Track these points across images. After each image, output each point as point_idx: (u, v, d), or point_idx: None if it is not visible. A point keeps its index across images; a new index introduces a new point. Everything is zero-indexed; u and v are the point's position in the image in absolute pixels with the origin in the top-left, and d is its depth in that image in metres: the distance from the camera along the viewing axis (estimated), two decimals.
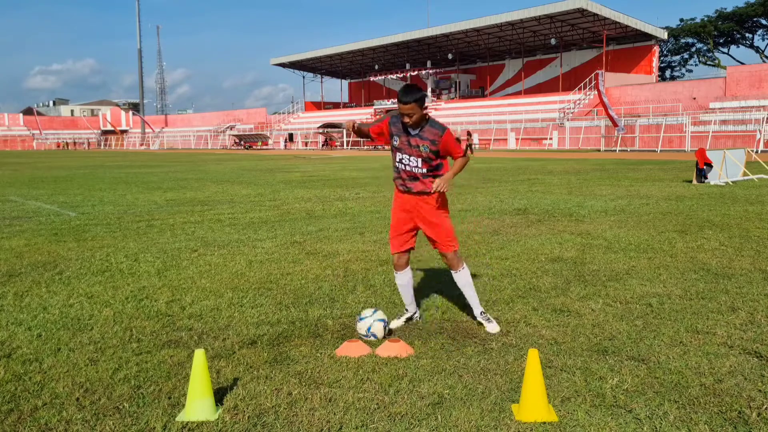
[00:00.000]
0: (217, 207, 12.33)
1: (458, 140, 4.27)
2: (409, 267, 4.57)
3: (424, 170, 4.27)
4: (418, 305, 4.98)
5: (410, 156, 4.26)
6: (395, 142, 4.30)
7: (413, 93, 4.09)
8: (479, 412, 3.12)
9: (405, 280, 4.56)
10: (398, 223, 4.47)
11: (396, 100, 4.16)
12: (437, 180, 4.20)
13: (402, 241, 4.49)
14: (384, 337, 4.23)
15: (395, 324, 4.52)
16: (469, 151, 4.15)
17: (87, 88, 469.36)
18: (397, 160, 4.33)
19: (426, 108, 4.20)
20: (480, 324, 4.47)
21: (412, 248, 4.56)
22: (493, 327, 4.38)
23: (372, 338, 4.22)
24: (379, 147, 65.49)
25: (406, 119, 4.14)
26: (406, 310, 4.66)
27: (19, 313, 4.91)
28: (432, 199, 4.34)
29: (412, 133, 4.23)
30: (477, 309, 4.50)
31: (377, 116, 78.63)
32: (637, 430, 2.94)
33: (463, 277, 4.48)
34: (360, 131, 4.41)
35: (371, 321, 4.25)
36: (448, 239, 4.44)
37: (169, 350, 4.06)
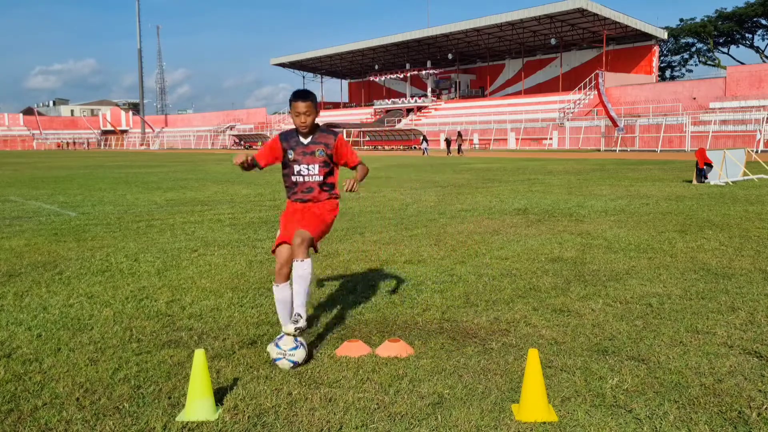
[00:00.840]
0: (217, 207, 12.33)
1: (448, 141, 4.23)
2: (290, 281, 4.04)
3: (320, 178, 4.20)
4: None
5: (308, 165, 4.20)
6: (290, 156, 4.23)
7: (310, 94, 4.17)
8: (479, 412, 3.12)
9: (285, 295, 4.04)
10: (285, 228, 4.16)
11: (289, 104, 4.15)
12: (348, 180, 4.10)
13: (288, 232, 4.10)
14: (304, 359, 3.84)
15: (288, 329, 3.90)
16: (459, 153, 4.10)
17: (87, 88, 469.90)
18: (294, 173, 4.23)
19: (318, 114, 4.20)
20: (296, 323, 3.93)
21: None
22: (290, 328, 3.87)
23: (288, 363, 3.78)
24: (379, 147, 65.49)
25: (302, 119, 4.11)
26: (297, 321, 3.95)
27: (19, 313, 4.91)
28: (323, 205, 4.24)
29: (305, 142, 4.23)
30: (296, 306, 3.96)
31: (377, 116, 78.65)
32: (637, 430, 2.94)
33: (300, 268, 3.93)
34: (250, 165, 4.24)
35: (283, 357, 3.74)
36: (312, 225, 4.08)
37: (169, 350, 4.05)
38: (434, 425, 3.01)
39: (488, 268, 6.36)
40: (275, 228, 9.33)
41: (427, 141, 48.69)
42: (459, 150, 45.96)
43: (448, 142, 47.59)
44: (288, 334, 3.85)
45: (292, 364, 3.74)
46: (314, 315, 4.84)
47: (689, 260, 6.60)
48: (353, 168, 4.37)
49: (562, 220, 9.74)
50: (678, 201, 12.17)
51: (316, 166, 4.22)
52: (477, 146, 59.66)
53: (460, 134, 48.48)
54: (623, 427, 2.97)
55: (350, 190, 4.11)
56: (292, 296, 4.02)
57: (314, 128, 4.23)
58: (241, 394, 3.37)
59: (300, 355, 3.78)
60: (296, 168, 4.24)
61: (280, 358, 3.76)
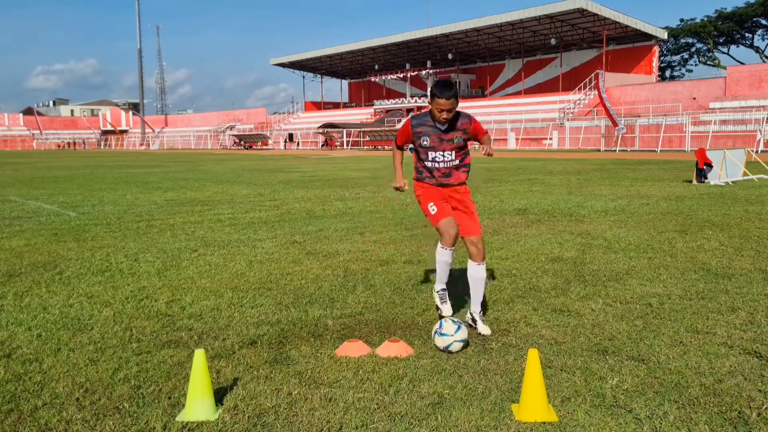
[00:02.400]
0: (217, 207, 12.33)
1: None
2: (456, 248, 4.42)
3: (457, 161, 4.38)
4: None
5: (444, 152, 4.31)
6: (425, 142, 4.32)
7: (452, 88, 4.17)
8: (479, 412, 3.12)
9: (451, 259, 4.42)
10: (442, 204, 4.40)
11: (429, 95, 4.21)
12: (487, 148, 4.31)
13: (449, 211, 4.39)
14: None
15: (446, 309, 4.41)
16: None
17: (88, 88, 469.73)
18: (429, 159, 4.34)
19: (458, 103, 4.28)
20: (473, 321, 4.39)
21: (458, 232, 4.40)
22: (485, 329, 4.31)
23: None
24: (379, 147, 65.48)
25: (446, 115, 4.18)
26: (444, 290, 4.49)
27: (19, 313, 4.91)
28: (466, 189, 4.47)
29: (443, 128, 4.28)
30: (477, 306, 4.45)
31: (377, 116, 78.67)
32: (637, 430, 2.94)
33: (481, 271, 4.38)
34: (401, 164, 4.65)
35: (452, 340, 3.95)
36: (477, 226, 4.44)
37: (169, 350, 4.06)
38: (434, 425, 3.01)
39: (488, 268, 6.36)
40: (275, 228, 9.32)
41: None
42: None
43: None
44: (446, 318, 4.12)
45: (462, 344, 3.96)
46: (314, 315, 4.84)
47: (689, 260, 6.60)
48: (482, 138, 4.49)
49: (562, 220, 9.74)
50: (678, 201, 12.17)
51: (453, 152, 4.32)
52: (477, 146, 59.61)
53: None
54: (623, 427, 2.97)
55: (490, 155, 4.32)
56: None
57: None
58: (241, 394, 3.37)
59: (464, 333, 3.98)
60: (431, 154, 4.33)
61: (450, 344, 3.93)
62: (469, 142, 4.48)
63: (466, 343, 4.03)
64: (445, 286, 4.53)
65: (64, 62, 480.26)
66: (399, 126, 70.08)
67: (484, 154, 4.32)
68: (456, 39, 72.35)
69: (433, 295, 4.80)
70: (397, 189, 4.58)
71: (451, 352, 3.98)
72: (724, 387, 3.39)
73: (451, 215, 4.39)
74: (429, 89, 4.27)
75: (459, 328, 3.99)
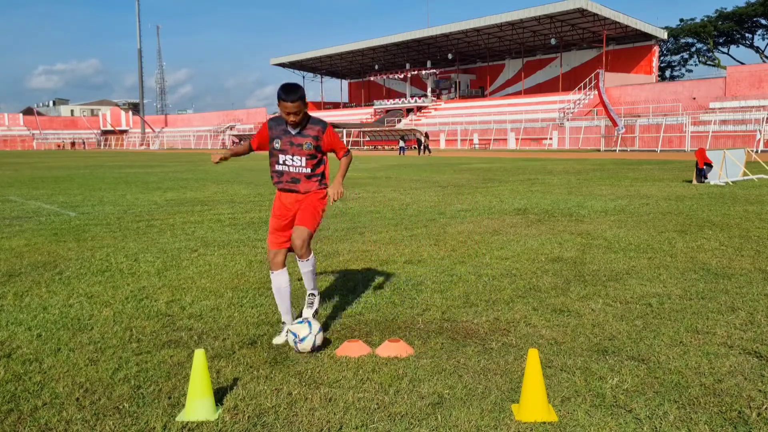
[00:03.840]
0: (217, 207, 12.33)
1: (419, 141, 4.30)
2: (286, 268, 4.33)
3: (308, 170, 4.25)
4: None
5: (293, 156, 4.21)
6: (276, 145, 4.23)
7: (297, 91, 4.06)
8: (479, 412, 3.12)
9: (281, 283, 4.28)
10: (277, 219, 4.32)
11: (277, 98, 4.10)
12: (330, 191, 4.24)
13: (280, 239, 4.31)
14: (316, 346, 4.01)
15: (278, 340, 4.18)
16: (426, 152, 4.19)
17: (89, 88, 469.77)
18: (280, 162, 4.25)
19: (306, 106, 4.18)
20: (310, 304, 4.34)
21: (291, 249, 4.34)
22: (307, 312, 4.24)
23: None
24: (379, 147, 65.51)
25: (292, 117, 4.10)
26: (283, 323, 4.31)
27: (19, 313, 4.91)
28: (315, 195, 4.31)
29: (293, 132, 4.20)
30: (309, 290, 4.35)
31: (377, 116, 78.69)
32: (637, 430, 2.94)
33: (309, 265, 4.28)
34: (236, 153, 4.43)
35: (312, 337, 3.95)
36: (308, 220, 4.23)
37: (169, 350, 4.05)
38: (434, 425, 3.01)
39: (488, 268, 6.36)
40: None
41: (404, 140, 51.58)
42: (427, 149, 48.59)
43: (419, 142, 50.07)
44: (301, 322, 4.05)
45: (322, 332, 4.04)
46: (314, 315, 4.83)
47: (689, 260, 6.60)
48: (340, 158, 4.41)
49: (562, 220, 9.74)
50: (678, 201, 12.17)
51: (303, 158, 4.23)
52: (477, 146, 59.68)
53: (427, 135, 51.46)
54: (623, 427, 2.97)
55: (335, 200, 4.23)
56: (289, 287, 4.34)
57: (304, 117, 4.20)
58: (241, 394, 3.37)
59: (316, 324, 4.02)
60: (282, 157, 4.24)
61: (314, 341, 3.97)
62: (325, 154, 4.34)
63: (323, 330, 4.09)
64: (285, 319, 4.32)
65: (65, 62, 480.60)
66: (399, 126, 70.12)
67: (331, 202, 4.23)
68: (456, 39, 72.35)
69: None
70: (213, 160, 4.35)
71: (320, 349, 3.99)
72: (724, 387, 3.39)
73: (278, 242, 4.30)
74: (277, 92, 4.11)
75: (308, 323, 3.99)
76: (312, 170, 4.27)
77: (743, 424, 3.00)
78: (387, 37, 76.59)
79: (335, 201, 4.24)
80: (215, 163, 4.36)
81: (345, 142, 70.84)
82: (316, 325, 4.01)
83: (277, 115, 4.37)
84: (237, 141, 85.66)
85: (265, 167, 29.11)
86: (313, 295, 4.37)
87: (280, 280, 4.30)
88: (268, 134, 4.27)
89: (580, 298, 5.17)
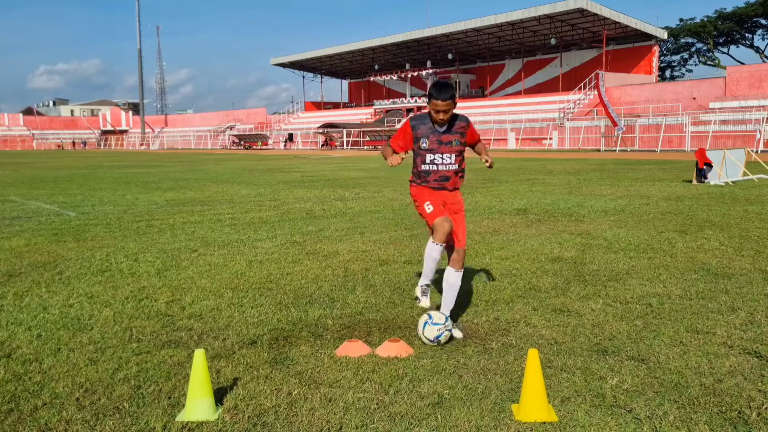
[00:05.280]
0: (217, 207, 12.33)
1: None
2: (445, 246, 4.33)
3: (456, 166, 4.29)
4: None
5: (443, 155, 4.22)
6: (424, 144, 4.21)
7: (449, 89, 4.09)
8: (479, 412, 3.12)
9: (440, 254, 4.29)
10: (438, 203, 4.30)
11: (427, 96, 4.15)
12: (488, 157, 4.45)
13: (445, 212, 4.28)
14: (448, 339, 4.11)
15: (425, 302, 4.42)
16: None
17: (90, 88, 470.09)
18: (428, 161, 4.24)
19: (456, 105, 4.21)
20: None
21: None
22: (458, 333, 4.27)
23: (432, 343, 4.06)
24: (379, 147, 65.37)
25: (442, 116, 4.11)
26: (428, 285, 4.48)
27: (19, 313, 4.91)
28: (461, 196, 4.42)
29: (441, 130, 4.20)
30: (447, 309, 4.37)
31: (377, 116, 78.67)
32: (637, 430, 2.94)
33: (459, 279, 4.36)
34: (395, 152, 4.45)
35: (443, 330, 4.02)
36: (465, 236, 4.42)
37: (169, 350, 4.05)
38: (434, 425, 3.00)
39: (488, 268, 6.36)
40: (275, 228, 9.32)
41: None
42: None
43: None
44: (428, 310, 4.22)
45: (450, 334, 4.09)
46: (314, 315, 4.84)
47: (689, 260, 6.60)
48: (474, 144, 4.50)
49: (562, 220, 9.74)
50: (678, 201, 12.17)
51: (453, 156, 4.24)
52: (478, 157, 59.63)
53: None
54: (623, 427, 2.97)
55: (491, 165, 4.41)
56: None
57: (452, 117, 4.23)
58: (241, 394, 3.37)
59: (451, 323, 4.13)
60: (430, 156, 4.23)
61: (441, 333, 4.02)
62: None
63: (452, 336, 4.12)
64: (429, 282, 4.51)
65: (67, 62, 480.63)
66: (399, 126, 70.08)
67: (487, 165, 4.37)
68: (456, 39, 72.32)
69: (414, 290, 4.74)
70: (393, 164, 4.30)
71: (440, 343, 4.03)
72: (724, 387, 3.39)
73: (446, 214, 4.31)
74: (428, 89, 4.19)
75: (447, 318, 4.07)
76: (459, 166, 4.31)
77: (743, 424, 3.00)
78: (387, 37, 76.56)
79: (491, 167, 4.42)
80: (396, 165, 4.29)
81: (345, 141, 70.71)
82: (449, 322, 4.11)
83: (419, 113, 4.35)
84: (237, 141, 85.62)
85: (264, 168, 29.07)
86: (445, 315, 4.25)
87: (441, 251, 4.27)
88: (412, 134, 4.26)
89: (580, 298, 5.17)
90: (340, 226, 9.44)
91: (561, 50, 67.80)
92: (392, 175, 21.86)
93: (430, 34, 71.91)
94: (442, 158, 4.23)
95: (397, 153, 4.38)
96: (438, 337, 4.01)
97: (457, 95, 4.20)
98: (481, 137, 4.52)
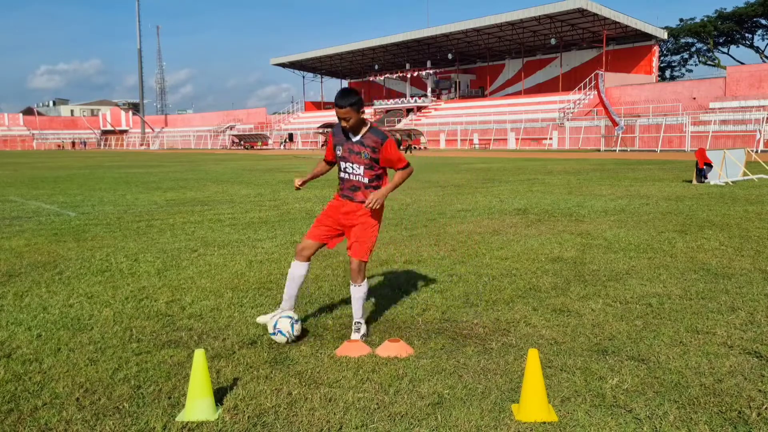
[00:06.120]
0: (217, 207, 12.33)
1: (398, 141, 4.28)
2: (309, 263, 4.38)
3: (366, 180, 4.21)
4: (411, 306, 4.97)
5: (353, 164, 4.20)
6: (338, 152, 4.25)
7: (349, 97, 4.06)
8: (479, 412, 3.12)
9: (298, 273, 4.34)
10: (326, 216, 4.33)
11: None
12: (371, 195, 4.14)
13: (322, 232, 4.31)
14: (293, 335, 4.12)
15: (262, 319, 4.41)
16: (408, 152, 4.18)
17: (91, 88, 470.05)
18: (342, 169, 4.27)
19: (363, 113, 4.14)
20: (358, 330, 4.32)
21: (324, 245, 4.37)
22: (356, 337, 4.24)
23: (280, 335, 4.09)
24: None
25: (344, 123, 4.12)
26: (279, 307, 4.43)
27: (19, 313, 4.91)
28: (369, 212, 4.27)
29: (354, 139, 4.19)
30: (357, 316, 4.34)
31: (377, 116, 78.71)
32: (637, 430, 2.94)
33: (360, 291, 4.28)
34: (315, 175, 4.51)
35: (291, 325, 4.11)
36: (364, 246, 4.23)
37: (169, 350, 4.06)
38: (434, 425, 3.01)
39: (488, 268, 6.36)
40: (275, 228, 9.32)
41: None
42: (409, 149, 51.59)
43: (398, 142, 53.90)
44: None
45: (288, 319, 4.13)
46: (314, 315, 4.84)
47: (689, 260, 6.60)
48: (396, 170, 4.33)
49: (562, 220, 9.74)
50: (678, 201, 12.17)
51: (362, 167, 4.21)
52: (477, 146, 59.70)
53: (410, 135, 55.62)
54: (623, 427, 2.97)
55: (371, 207, 4.12)
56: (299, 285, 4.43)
57: (361, 125, 4.17)
58: (241, 394, 3.37)
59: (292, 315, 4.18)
60: (343, 165, 4.26)
61: (292, 328, 4.12)
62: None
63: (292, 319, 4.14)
64: (285, 305, 4.40)
65: (67, 62, 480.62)
66: (399, 126, 70.12)
67: (365, 206, 4.13)
68: (456, 39, 72.32)
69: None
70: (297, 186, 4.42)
71: (298, 338, 4.13)
72: (724, 387, 3.39)
73: (315, 237, 4.32)
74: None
75: (293, 319, 4.15)
76: (369, 181, 4.22)
77: (743, 424, 3.00)
78: (387, 37, 76.56)
79: (369, 206, 4.11)
80: (297, 189, 4.43)
81: None
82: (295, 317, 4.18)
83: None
84: (237, 141, 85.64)
85: (265, 168, 29.11)
86: (359, 323, 4.32)
87: (299, 270, 4.34)
88: (332, 141, 4.30)
89: (580, 298, 5.17)
90: None
91: (561, 50, 67.80)
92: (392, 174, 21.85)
93: (430, 34, 71.89)
94: (352, 167, 4.21)
95: (327, 162, 4.51)
96: (292, 333, 4.11)
97: (360, 104, 4.08)
98: (407, 168, 4.29)
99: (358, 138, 4.18)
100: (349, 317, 4.75)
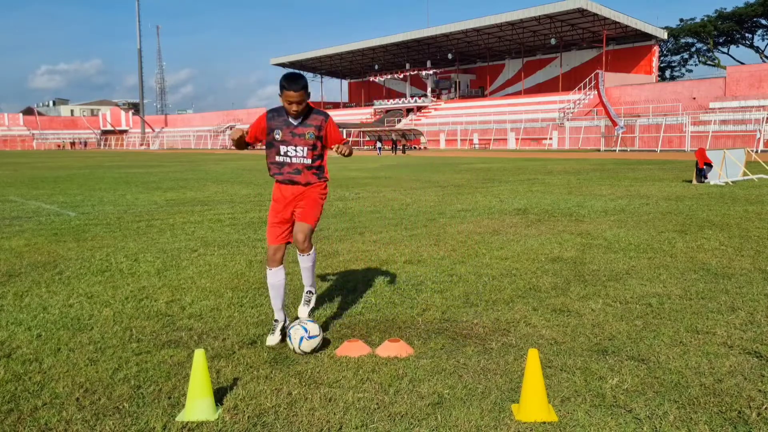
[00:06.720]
0: (217, 207, 12.33)
1: (393, 141, 4.27)
2: (283, 265, 4.32)
3: (309, 161, 4.22)
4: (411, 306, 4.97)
5: (296, 147, 4.18)
6: (277, 136, 4.19)
7: (301, 80, 4.04)
8: (479, 412, 3.12)
9: (278, 280, 4.27)
10: (276, 212, 4.29)
11: (279, 88, 4.07)
12: (342, 146, 4.21)
13: (280, 231, 4.28)
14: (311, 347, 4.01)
15: (271, 341, 4.17)
16: (402, 152, 4.13)
17: (91, 88, 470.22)
18: (281, 153, 4.21)
19: (309, 96, 4.16)
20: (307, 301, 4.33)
21: (290, 242, 4.34)
22: (303, 311, 4.25)
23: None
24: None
25: (295, 107, 4.08)
26: (276, 321, 4.29)
27: (19, 313, 4.91)
28: (315, 189, 4.29)
29: (295, 123, 4.17)
30: (308, 285, 4.36)
31: (377, 116, 78.67)
32: (637, 430, 2.94)
33: (309, 260, 4.29)
34: (239, 142, 4.33)
35: (320, 341, 4.02)
36: (312, 212, 4.26)
37: (169, 350, 4.05)
38: (434, 425, 3.00)
39: (488, 268, 6.36)
40: None
41: (381, 141, 55.52)
42: (404, 149, 53.36)
43: (393, 142, 54.59)
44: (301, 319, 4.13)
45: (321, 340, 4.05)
46: (314, 315, 4.83)
47: (689, 260, 6.60)
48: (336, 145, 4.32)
49: (562, 220, 9.74)
50: (678, 201, 12.17)
51: (305, 149, 4.19)
52: (477, 146, 59.70)
53: (404, 135, 57.45)
54: (623, 427, 2.97)
55: (340, 153, 4.19)
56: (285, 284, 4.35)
57: (305, 109, 4.18)
58: (241, 394, 3.37)
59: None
60: (283, 149, 4.20)
61: (317, 345, 4.00)
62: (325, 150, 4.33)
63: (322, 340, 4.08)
64: (279, 318, 4.30)
65: (68, 62, 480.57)
66: (399, 125, 70.08)
67: (338, 153, 4.21)
68: (456, 39, 72.35)
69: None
70: (231, 138, 4.29)
71: (319, 350, 4.00)
72: (724, 387, 3.39)
73: (278, 240, 4.26)
74: (279, 81, 4.08)
75: (320, 328, 4.07)
76: (312, 161, 4.23)
77: (743, 424, 2.99)
78: (387, 37, 76.58)
79: (338, 153, 4.18)
80: (233, 138, 4.27)
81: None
82: (320, 332, 4.06)
83: (276, 106, 4.34)
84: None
85: (264, 168, 29.07)
86: (310, 292, 4.35)
87: (276, 276, 4.27)
88: (266, 126, 4.22)
89: (580, 298, 5.17)
90: (340, 226, 9.44)
91: (561, 50, 67.82)
92: (393, 174, 21.87)
93: (430, 34, 71.92)
94: (295, 150, 4.19)
95: (246, 142, 4.33)
96: (315, 348, 3.97)
97: (308, 87, 4.09)
98: (348, 141, 4.36)
99: (299, 121, 4.17)
100: (349, 317, 4.75)
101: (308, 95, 4.12)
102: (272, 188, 4.38)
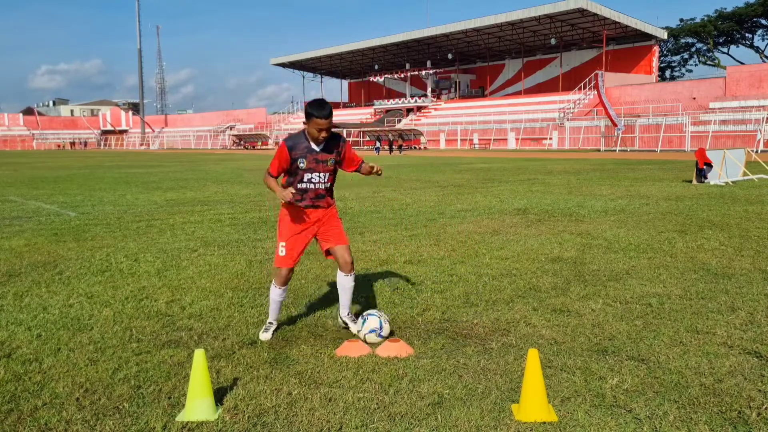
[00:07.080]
0: (217, 207, 12.33)
1: (390, 141, 4.37)
2: (287, 286, 4.44)
3: (329, 185, 4.36)
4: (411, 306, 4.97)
5: (319, 173, 4.24)
6: (302, 165, 4.19)
7: (328, 106, 4.10)
8: (479, 412, 3.12)
9: (283, 297, 4.40)
10: (296, 233, 4.32)
11: (305, 115, 4.11)
12: (377, 167, 4.43)
13: (296, 254, 4.34)
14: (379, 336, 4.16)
15: (264, 337, 4.27)
16: (397, 152, 4.22)
17: (91, 88, 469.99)
18: (304, 180, 4.23)
19: None
20: (346, 324, 4.46)
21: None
22: (354, 327, 4.34)
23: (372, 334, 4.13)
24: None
25: (324, 134, 4.11)
26: (270, 323, 4.42)
27: (19, 313, 4.91)
28: (333, 209, 4.46)
29: (318, 149, 4.20)
30: (345, 310, 4.49)
31: (377, 116, 78.68)
32: (637, 430, 2.94)
33: (351, 281, 4.45)
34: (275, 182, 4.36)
35: (379, 330, 4.15)
36: (344, 236, 4.55)
37: (169, 350, 4.06)
38: (434, 425, 3.01)
39: (488, 268, 6.36)
40: (275, 228, 9.31)
41: (380, 141, 55.79)
42: (399, 149, 53.87)
43: (390, 142, 55.33)
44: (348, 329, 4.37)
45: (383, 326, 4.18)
46: (314, 315, 4.84)
47: (689, 260, 6.60)
48: (359, 166, 4.47)
49: (562, 220, 9.74)
50: (678, 201, 12.17)
51: (327, 174, 4.30)
52: (477, 146, 59.71)
53: (401, 136, 58.65)
54: (623, 427, 2.97)
55: (378, 174, 4.43)
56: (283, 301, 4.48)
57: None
58: (241, 394, 3.37)
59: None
60: (307, 176, 4.24)
61: (381, 331, 4.15)
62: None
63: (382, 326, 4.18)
64: (274, 321, 4.42)
65: (68, 62, 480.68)
66: (399, 125, 70.07)
67: (375, 174, 4.41)
68: (456, 39, 72.32)
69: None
70: (288, 200, 4.16)
71: (382, 337, 4.13)
72: (724, 387, 3.39)
73: (292, 263, 4.32)
74: (305, 108, 4.14)
75: (370, 316, 4.21)
76: (331, 185, 4.38)
77: (743, 424, 3.00)
78: (387, 37, 76.55)
79: (377, 174, 4.43)
80: (291, 200, 4.20)
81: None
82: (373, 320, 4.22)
83: (291, 134, 4.33)
84: (237, 141, 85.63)
85: (264, 168, 29.06)
86: (350, 314, 4.51)
87: (282, 295, 4.39)
88: (288, 156, 4.19)
89: (580, 298, 5.17)
90: None
91: (561, 50, 67.81)
92: (393, 174, 21.86)
93: (430, 34, 71.89)
94: (318, 177, 4.26)
95: (275, 178, 4.34)
96: (371, 344, 4.08)
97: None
98: (363, 162, 4.47)
99: (321, 147, 4.21)
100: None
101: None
102: (285, 207, 4.36)
